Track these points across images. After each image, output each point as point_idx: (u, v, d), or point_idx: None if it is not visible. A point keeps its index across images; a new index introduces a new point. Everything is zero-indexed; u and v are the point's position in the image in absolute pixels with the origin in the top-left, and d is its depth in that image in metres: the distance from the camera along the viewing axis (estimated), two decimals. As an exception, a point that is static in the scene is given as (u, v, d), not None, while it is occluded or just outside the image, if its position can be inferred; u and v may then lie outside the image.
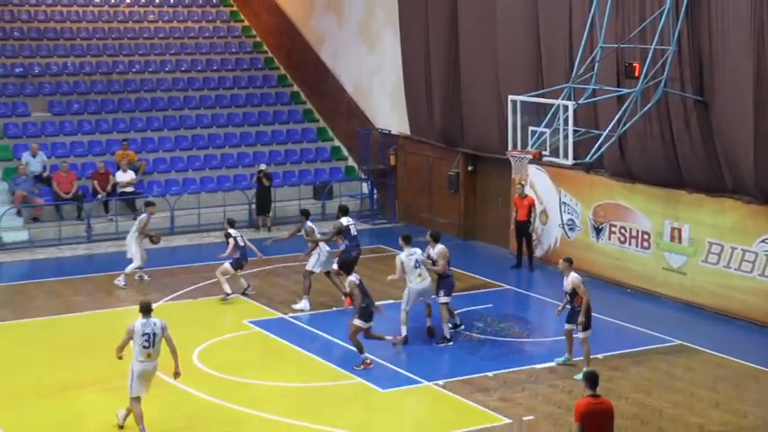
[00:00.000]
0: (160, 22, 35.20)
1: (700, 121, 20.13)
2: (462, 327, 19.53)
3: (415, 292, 18.65)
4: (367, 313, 17.58)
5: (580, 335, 17.23)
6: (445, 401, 16.30)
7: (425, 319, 19.21)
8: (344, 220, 21.22)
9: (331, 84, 32.69)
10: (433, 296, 19.04)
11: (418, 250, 18.69)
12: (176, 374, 14.93)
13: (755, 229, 19.90)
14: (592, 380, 11.79)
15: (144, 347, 14.57)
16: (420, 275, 18.55)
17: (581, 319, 17.03)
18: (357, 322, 17.58)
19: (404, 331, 18.64)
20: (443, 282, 19.00)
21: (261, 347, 18.89)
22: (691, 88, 20.12)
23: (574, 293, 17.28)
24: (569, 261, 17.66)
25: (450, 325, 19.03)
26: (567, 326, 17.58)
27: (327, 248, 21.20)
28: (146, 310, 14.75)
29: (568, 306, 17.53)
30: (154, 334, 14.64)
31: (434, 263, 18.94)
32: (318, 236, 21.35)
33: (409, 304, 18.70)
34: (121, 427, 15.02)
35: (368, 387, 16.75)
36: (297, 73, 34.33)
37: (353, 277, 17.84)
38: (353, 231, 21.23)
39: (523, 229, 24.36)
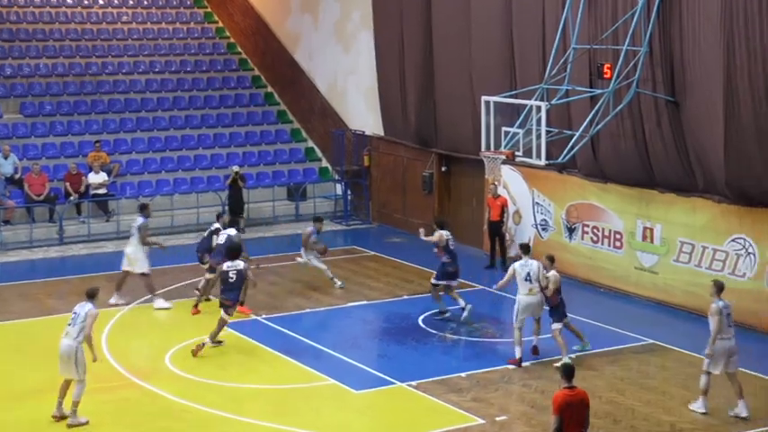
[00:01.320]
0: (134, 23, 35.08)
1: (671, 121, 20.26)
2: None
3: (524, 305, 17.75)
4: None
5: (555, 326, 17.68)
6: (418, 402, 16.31)
7: (531, 337, 18.18)
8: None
9: (305, 85, 32.66)
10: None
11: (535, 263, 17.82)
12: (93, 359, 15.44)
13: (726, 228, 20.04)
14: (567, 372, 12.10)
15: (67, 324, 15.26)
16: (531, 290, 17.70)
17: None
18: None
19: (518, 353, 17.66)
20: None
21: (234, 349, 18.83)
22: (662, 88, 20.24)
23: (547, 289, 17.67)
24: (552, 259, 18.02)
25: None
26: (554, 326, 17.77)
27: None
28: (89, 296, 15.40)
29: (546, 307, 17.84)
30: (76, 314, 15.24)
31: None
32: None
33: (518, 319, 17.74)
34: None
35: (341, 388, 16.75)
36: (271, 74, 34.28)
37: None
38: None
39: (496, 229, 24.43)
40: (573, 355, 17.85)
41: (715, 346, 15.60)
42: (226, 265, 18.64)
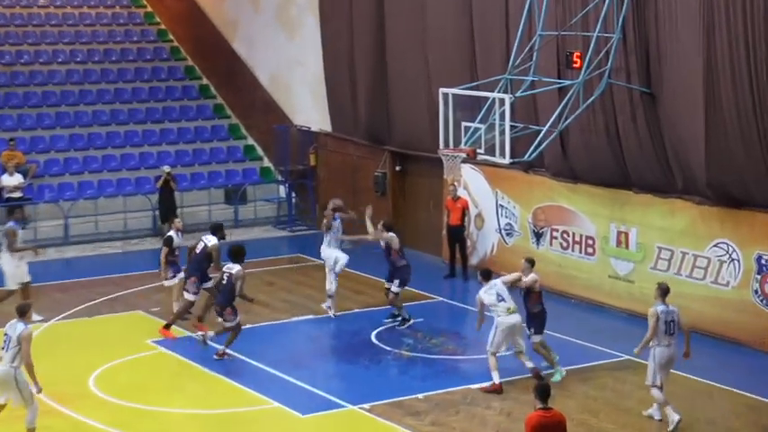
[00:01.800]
0: (52, 7, 34.80)
1: (647, 115, 20.37)
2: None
3: (505, 327, 17.39)
4: None
5: (536, 338, 17.87)
6: (372, 427, 16.22)
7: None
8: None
9: (245, 76, 32.55)
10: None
11: (498, 281, 17.69)
12: (37, 391, 15.07)
13: (708, 232, 20.17)
14: (542, 392, 12.05)
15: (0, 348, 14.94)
16: (509, 309, 17.44)
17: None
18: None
19: (496, 378, 17.43)
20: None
21: (167, 370, 18.66)
22: (637, 79, 20.35)
23: (528, 294, 17.87)
24: (532, 262, 18.27)
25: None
26: (535, 338, 17.94)
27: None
28: (19, 313, 15.07)
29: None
30: (8, 337, 14.89)
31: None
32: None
33: (494, 344, 17.45)
34: None
35: (287, 412, 16.65)
36: (206, 64, 34.14)
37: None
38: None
39: (457, 235, 24.44)
40: (543, 373, 17.85)
41: (655, 354, 15.99)
42: (226, 267, 18.88)
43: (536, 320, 18.01)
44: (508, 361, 18.29)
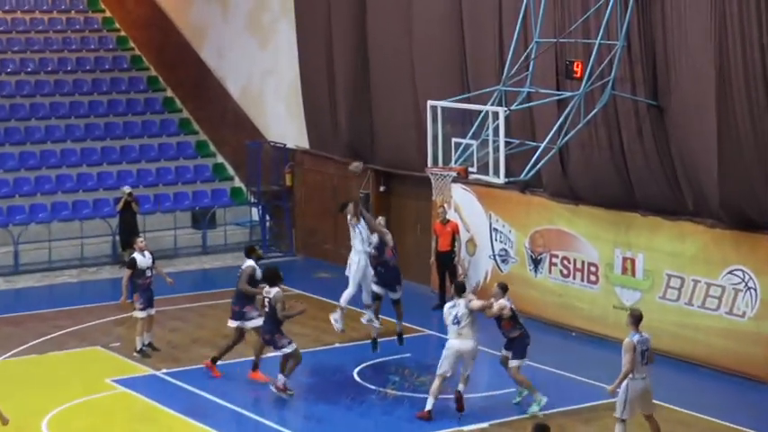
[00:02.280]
0: (0, 12, 34.76)
1: (654, 129, 20.47)
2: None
3: (450, 350, 18.07)
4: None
5: (513, 363, 18.21)
6: (354, 473, 16.28)
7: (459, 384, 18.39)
8: None
9: (213, 88, 32.60)
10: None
11: (462, 302, 18.03)
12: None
13: (721, 258, 20.26)
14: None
15: None
16: (459, 333, 17.99)
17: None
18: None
19: (429, 405, 18.00)
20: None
21: (128, 411, 18.63)
22: (643, 90, 20.46)
23: (499, 321, 18.24)
24: (505, 288, 18.55)
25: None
26: (512, 363, 18.30)
27: None
28: None
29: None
30: None
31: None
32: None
33: (442, 365, 18.06)
34: None
35: (259, 457, 16.67)
36: (171, 74, 34.18)
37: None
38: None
39: (446, 262, 24.48)
40: (541, 414, 17.88)
41: (627, 387, 16.05)
42: (264, 292, 19.15)
43: (515, 345, 18.40)
44: (503, 400, 18.37)
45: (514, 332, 18.31)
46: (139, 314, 21.01)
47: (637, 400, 16.13)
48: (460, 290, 18.29)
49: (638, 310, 16.80)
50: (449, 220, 24.52)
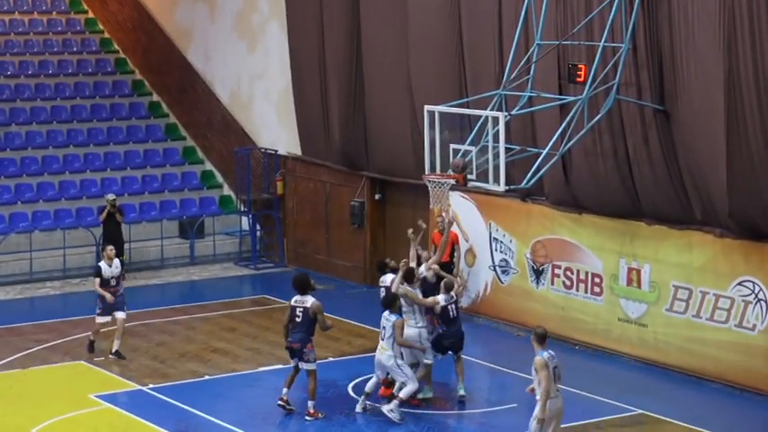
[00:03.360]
0: (-21, 13, 34.85)
1: (660, 135, 20.52)
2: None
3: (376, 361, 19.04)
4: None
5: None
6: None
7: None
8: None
9: (201, 92, 32.63)
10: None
11: (394, 318, 18.68)
12: None
13: (730, 269, 20.32)
14: None
15: None
16: (383, 348, 18.74)
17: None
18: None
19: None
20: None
21: (112, 428, 18.65)
22: (649, 95, 20.51)
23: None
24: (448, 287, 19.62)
25: None
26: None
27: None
28: None
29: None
30: None
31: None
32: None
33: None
34: None
35: (251, 476, 16.70)
36: (157, 78, 34.21)
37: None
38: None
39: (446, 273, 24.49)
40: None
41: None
42: (294, 301, 18.97)
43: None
44: (505, 416, 18.43)
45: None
46: (98, 319, 21.85)
47: (554, 419, 16.04)
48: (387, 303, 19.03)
49: (541, 327, 16.51)
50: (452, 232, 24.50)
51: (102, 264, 21.92)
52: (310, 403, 18.82)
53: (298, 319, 18.88)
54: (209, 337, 22.76)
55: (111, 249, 22.31)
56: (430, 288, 20.16)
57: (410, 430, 18.60)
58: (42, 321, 23.87)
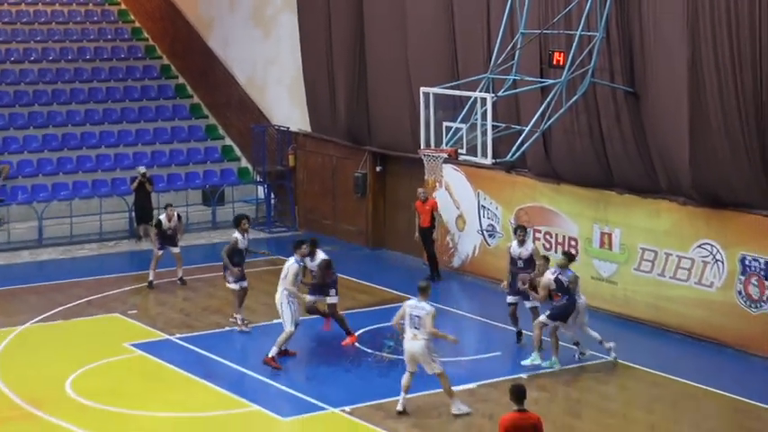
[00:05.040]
0: (23, 4, 34.73)
1: (631, 115, 20.52)
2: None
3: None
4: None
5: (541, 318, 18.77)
6: (353, 429, 16.34)
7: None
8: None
9: (221, 75, 32.57)
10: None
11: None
12: None
13: (692, 233, 20.35)
14: (517, 394, 12.17)
15: None
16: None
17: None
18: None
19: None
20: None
21: (145, 373, 18.71)
22: (621, 78, 20.51)
23: (530, 261, 18.99)
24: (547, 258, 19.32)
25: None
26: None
27: None
28: None
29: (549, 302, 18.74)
30: None
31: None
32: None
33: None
34: None
35: (266, 415, 16.73)
36: (182, 63, 34.15)
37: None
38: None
39: (427, 236, 24.57)
40: (525, 375, 17.97)
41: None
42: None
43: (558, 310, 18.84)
44: (489, 363, 18.47)
45: (552, 299, 18.77)
46: (157, 252, 23.71)
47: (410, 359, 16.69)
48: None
49: (425, 281, 17.51)
50: (428, 199, 24.58)
51: (163, 218, 23.98)
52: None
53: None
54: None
55: (171, 209, 24.19)
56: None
57: (402, 374, 18.57)
58: (81, 279, 23.92)
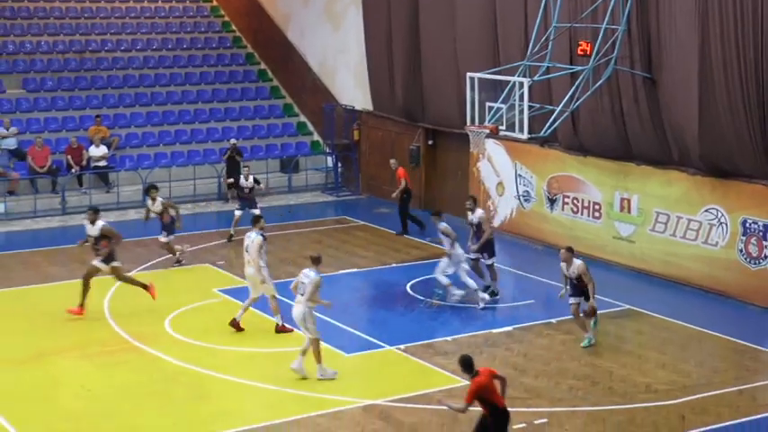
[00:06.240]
0: (131, 1, 34.82)
1: (648, 97, 20.29)
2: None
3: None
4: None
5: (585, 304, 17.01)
6: (407, 364, 16.38)
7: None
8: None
9: (297, 62, 32.55)
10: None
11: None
12: None
13: (700, 199, 20.11)
14: (464, 365, 12.03)
15: None
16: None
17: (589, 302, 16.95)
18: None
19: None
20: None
21: (229, 314, 18.81)
22: (639, 66, 20.26)
23: (579, 279, 16.95)
24: (571, 250, 17.13)
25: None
26: (572, 300, 17.06)
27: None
28: None
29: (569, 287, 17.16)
30: None
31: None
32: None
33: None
34: None
35: (333, 352, 16.77)
36: (264, 51, 34.14)
37: None
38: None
39: (404, 198, 24.98)
40: (554, 320, 17.85)
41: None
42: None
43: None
44: (524, 309, 18.43)
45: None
46: (237, 213, 23.72)
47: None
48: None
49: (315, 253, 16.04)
50: (398, 168, 25.28)
51: (242, 177, 24.04)
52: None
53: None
54: (302, 248, 22.88)
55: (246, 169, 24.37)
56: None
57: (449, 318, 18.63)
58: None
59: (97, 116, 29.31)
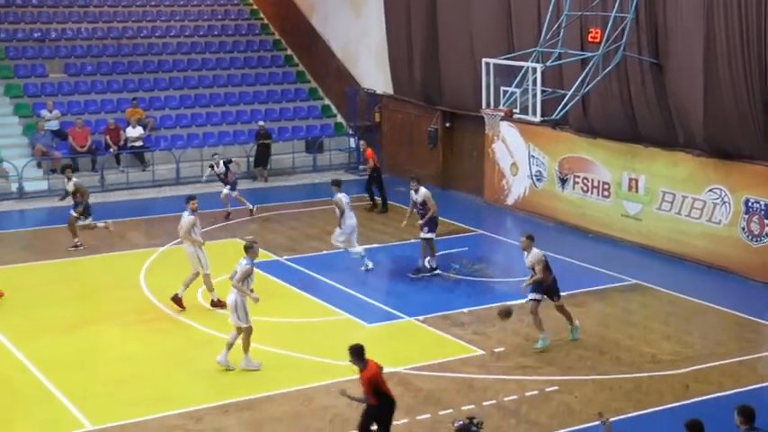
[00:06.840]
0: (165, -9, 34.77)
1: (655, 82, 20.10)
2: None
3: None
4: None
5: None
6: (425, 334, 16.36)
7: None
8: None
9: (321, 48, 32.41)
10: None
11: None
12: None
13: (704, 179, 19.93)
14: (357, 354, 11.80)
15: None
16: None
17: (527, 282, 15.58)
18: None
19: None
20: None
21: (258, 286, 18.74)
22: (647, 52, 20.06)
23: (532, 269, 15.79)
24: (531, 238, 15.83)
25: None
26: (531, 295, 15.60)
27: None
28: None
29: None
30: None
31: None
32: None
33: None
34: None
35: (355, 322, 16.79)
36: (290, 38, 34.02)
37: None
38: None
39: (375, 176, 25.12)
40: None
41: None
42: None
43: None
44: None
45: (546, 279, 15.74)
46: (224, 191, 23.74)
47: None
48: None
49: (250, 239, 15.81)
50: (366, 149, 25.55)
51: (214, 166, 23.98)
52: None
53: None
54: (326, 224, 22.79)
55: (216, 156, 24.33)
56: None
57: (465, 291, 18.57)
58: (209, 210, 24.08)
59: (134, 99, 29.31)
